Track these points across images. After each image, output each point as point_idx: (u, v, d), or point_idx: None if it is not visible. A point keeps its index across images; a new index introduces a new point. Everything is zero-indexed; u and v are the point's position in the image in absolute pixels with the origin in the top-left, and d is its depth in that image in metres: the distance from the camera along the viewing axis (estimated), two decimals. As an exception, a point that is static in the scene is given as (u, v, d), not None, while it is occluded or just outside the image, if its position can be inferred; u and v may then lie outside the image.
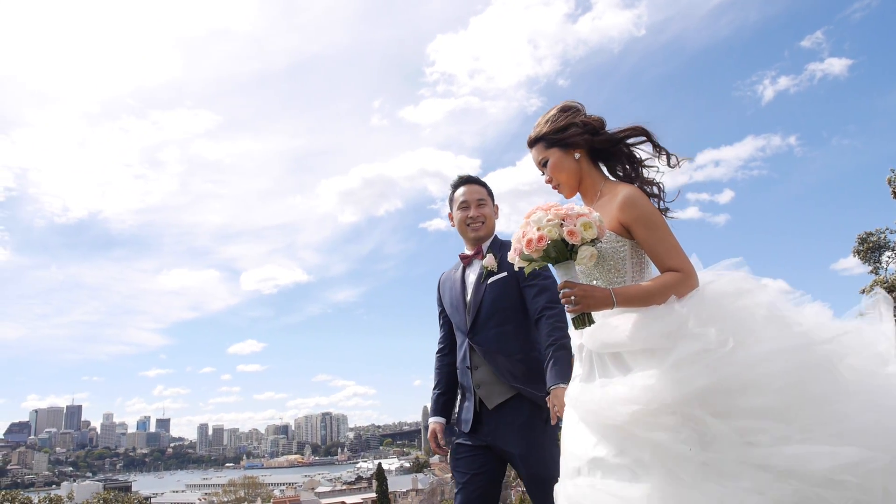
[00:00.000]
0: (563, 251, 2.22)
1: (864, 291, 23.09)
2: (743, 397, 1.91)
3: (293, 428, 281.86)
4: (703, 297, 2.14)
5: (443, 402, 3.70)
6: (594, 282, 2.37)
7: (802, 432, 1.84)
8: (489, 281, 3.43)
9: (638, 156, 2.49)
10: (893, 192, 21.88)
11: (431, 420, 3.72)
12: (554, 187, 2.54)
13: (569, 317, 2.32)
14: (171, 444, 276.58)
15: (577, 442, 2.22)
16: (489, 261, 3.42)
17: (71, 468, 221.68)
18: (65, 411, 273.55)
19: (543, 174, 2.55)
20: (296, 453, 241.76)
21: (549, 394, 3.04)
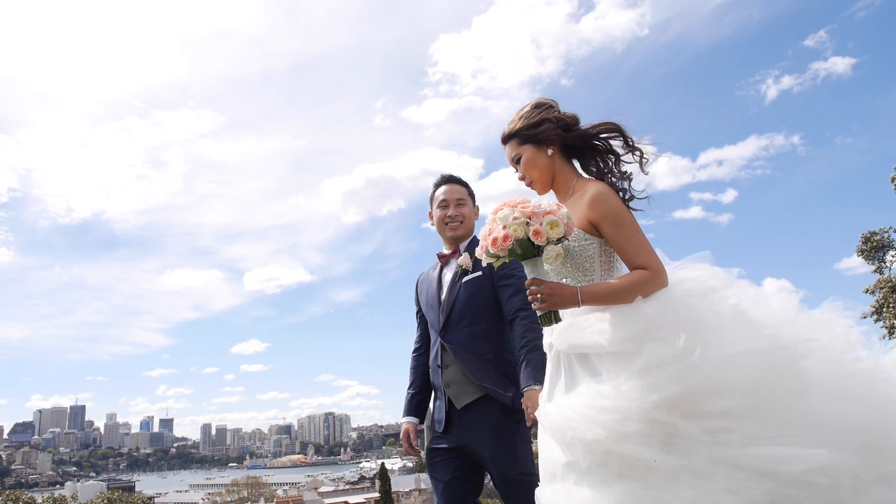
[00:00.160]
0: (529, 249, 2.22)
1: (868, 291, 23.08)
2: (711, 400, 1.90)
3: (296, 428, 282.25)
4: (670, 298, 2.12)
5: (416, 402, 3.68)
6: (565, 280, 2.36)
7: (772, 430, 1.85)
8: (464, 280, 3.41)
9: (611, 151, 2.48)
10: (897, 190, 21.84)
11: (403, 420, 3.68)
12: (527, 184, 2.54)
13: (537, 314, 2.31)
14: (175, 444, 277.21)
15: (552, 446, 2.21)
16: (464, 260, 3.32)
17: (74, 468, 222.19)
18: (68, 411, 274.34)
19: (517, 171, 2.54)
20: (299, 453, 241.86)
21: (522, 395, 3.01)
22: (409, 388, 3.74)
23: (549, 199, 2.42)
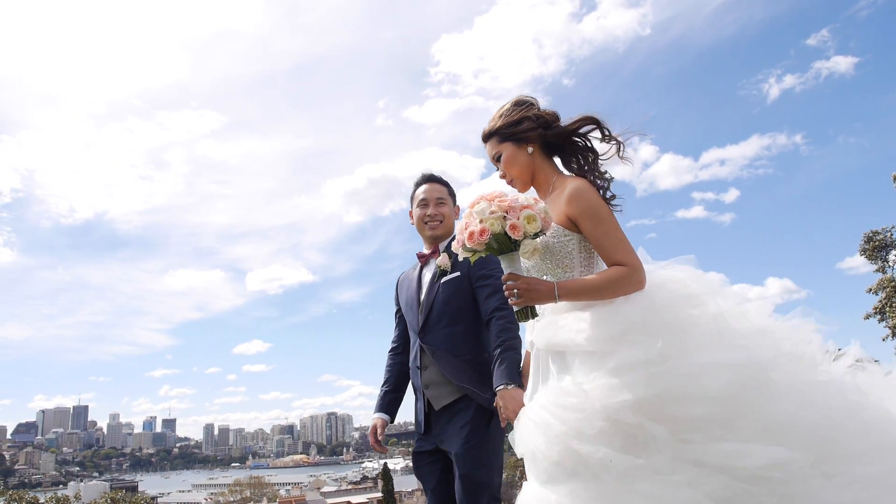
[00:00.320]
0: (506, 244, 2.21)
1: (870, 290, 23.06)
2: (679, 406, 1.91)
3: (299, 428, 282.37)
4: (652, 302, 2.11)
5: (388, 400, 3.66)
6: (544, 276, 2.36)
7: (734, 431, 1.88)
8: (442, 281, 3.39)
9: (592, 147, 2.48)
10: (900, 190, 21.81)
11: (374, 416, 3.66)
12: (508, 182, 2.54)
13: (513, 309, 2.32)
14: (178, 445, 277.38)
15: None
16: (443, 260, 3.38)
17: (78, 468, 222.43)
18: (71, 411, 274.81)
19: (498, 169, 2.55)
20: (301, 453, 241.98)
21: (496, 395, 2.97)
22: (382, 386, 3.72)
23: (527, 194, 2.42)
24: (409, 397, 3.60)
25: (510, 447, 2.38)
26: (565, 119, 2.51)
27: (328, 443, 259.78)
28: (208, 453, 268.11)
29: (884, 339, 22.52)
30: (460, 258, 2.34)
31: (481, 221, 2.18)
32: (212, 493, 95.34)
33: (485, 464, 3.11)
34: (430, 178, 3.64)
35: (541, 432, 2.07)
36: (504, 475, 3.70)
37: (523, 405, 2.30)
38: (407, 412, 3.80)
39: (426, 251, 3.57)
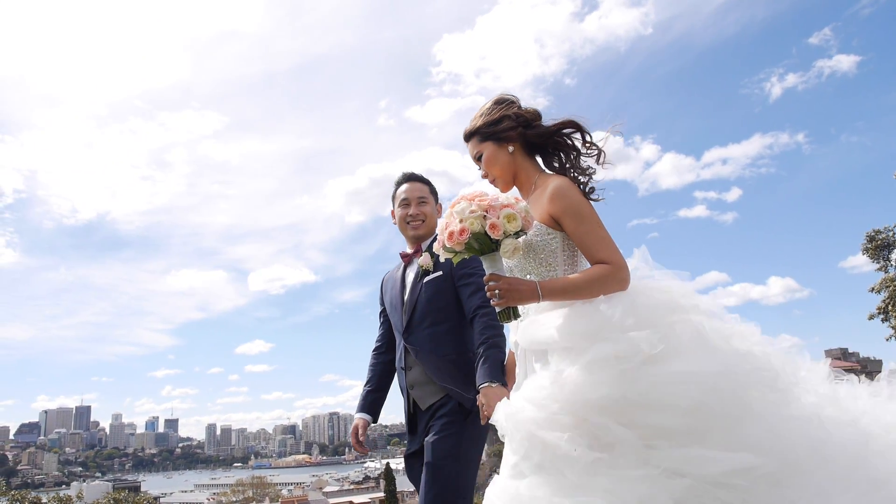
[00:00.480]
0: (487, 243, 2.19)
1: (873, 290, 23.01)
2: (648, 413, 1.90)
3: (301, 428, 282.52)
4: (634, 304, 2.09)
5: (371, 400, 3.63)
6: (528, 276, 2.34)
7: (701, 443, 1.86)
8: (425, 280, 3.36)
9: (574, 145, 2.46)
10: (902, 189, 21.81)
11: (356, 416, 3.63)
12: (490, 182, 2.52)
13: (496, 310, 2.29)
14: (180, 445, 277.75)
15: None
16: (424, 260, 3.33)
17: (80, 468, 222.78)
18: (74, 412, 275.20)
19: (479, 168, 2.53)
20: (303, 453, 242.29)
21: (479, 392, 2.93)
22: (365, 385, 3.69)
23: (509, 193, 2.40)
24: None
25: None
26: (547, 120, 2.49)
27: (330, 443, 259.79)
28: (211, 453, 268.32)
29: (887, 339, 22.48)
30: (441, 259, 2.33)
31: (461, 221, 2.16)
32: (214, 494, 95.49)
33: (453, 456, 3.04)
34: (410, 177, 3.61)
35: (510, 417, 2.06)
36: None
37: None
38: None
39: (409, 251, 3.54)
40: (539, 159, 2.54)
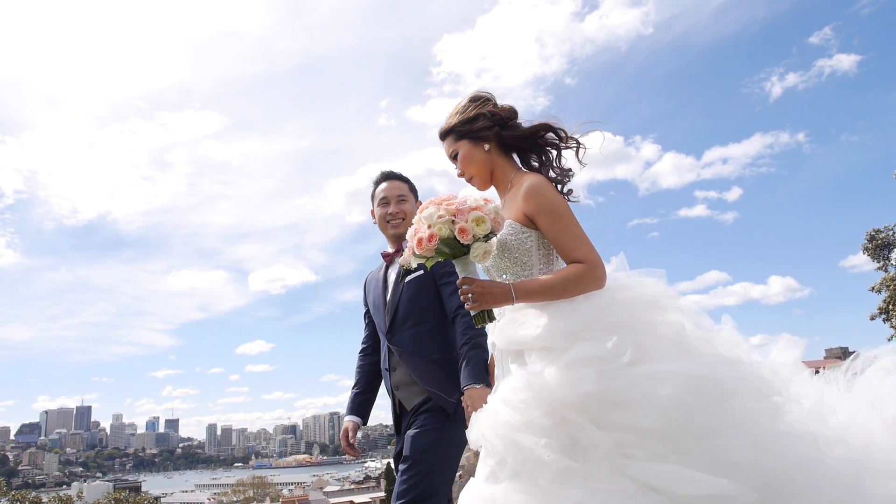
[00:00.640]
0: (457, 247, 2.14)
1: (873, 289, 22.97)
2: (626, 413, 1.84)
3: (301, 428, 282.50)
4: (613, 302, 2.05)
5: (359, 402, 3.58)
6: (503, 276, 2.30)
7: (679, 454, 1.78)
8: (406, 280, 3.31)
9: (550, 145, 2.42)
10: (903, 188, 21.79)
11: (346, 419, 3.58)
12: (467, 181, 2.47)
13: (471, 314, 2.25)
14: (181, 445, 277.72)
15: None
16: (405, 259, 3.21)
17: (81, 468, 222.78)
18: (75, 412, 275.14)
19: (456, 167, 2.48)
20: (304, 453, 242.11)
21: (462, 394, 2.89)
22: (353, 388, 3.64)
23: (482, 194, 2.32)
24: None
25: None
26: (524, 120, 2.45)
27: (331, 443, 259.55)
28: (211, 453, 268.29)
29: (889, 339, 22.44)
30: (413, 265, 2.29)
31: (429, 227, 2.12)
32: (215, 493, 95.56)
33: (430, 451, 2.98)
34: (389, 176, 3.55)
35: (487, 420, 2.02)
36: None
37: None
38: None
39: (390, 250, 3.49)
40: (517, 157, 2.50)
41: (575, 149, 2.40)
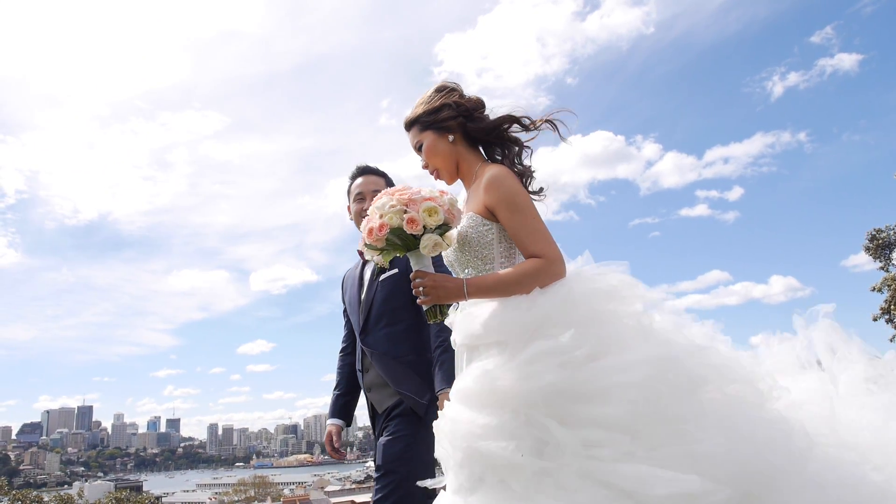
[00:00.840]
0: (409, 239, 2.09)
1: (875, 289, 22.92)
2: (591, 405, 1.77)
3: (302, 427, 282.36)
4: (572, 294, 1.97)
5: (342, 404, 3.49)
6: (466, 270, 2.23)
7: (649, 450, 1.71)
8: (380, 279, 3.22)
9: (514, 140, 2.37)
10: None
11: (328, 422, 3.50)
12: (431, 173, 2.41)
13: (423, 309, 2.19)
14: (182, 444, 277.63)
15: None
16: (380, 257, 3.12)
17: (82, 468, 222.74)
18: (76, 412, 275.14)
19: (421, 159, 2.43)
20: (305, 452, 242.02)
21: (435, 396, 2.87)
22: (334, 389, 3.55)
23: (439, 186, 2.30)
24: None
25: None
26: (490, 111, 2.39)
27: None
28: (212, 453, 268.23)
29: (891, 340, 22.40)
30: (367, 257, 2.24)
31: (381, 217, 2.07)
32: (216, 493, 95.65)
33: (403, 459, 2.89)
34: (365, 171, 3.44)
35: (446, 435, 1.95)
36: None
37: None
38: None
39: None
40: (484, 151, 2.44)
41: (534, 131, 2.34)
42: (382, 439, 3.00)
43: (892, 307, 22.25)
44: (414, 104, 2.44)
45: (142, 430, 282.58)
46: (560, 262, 2.05)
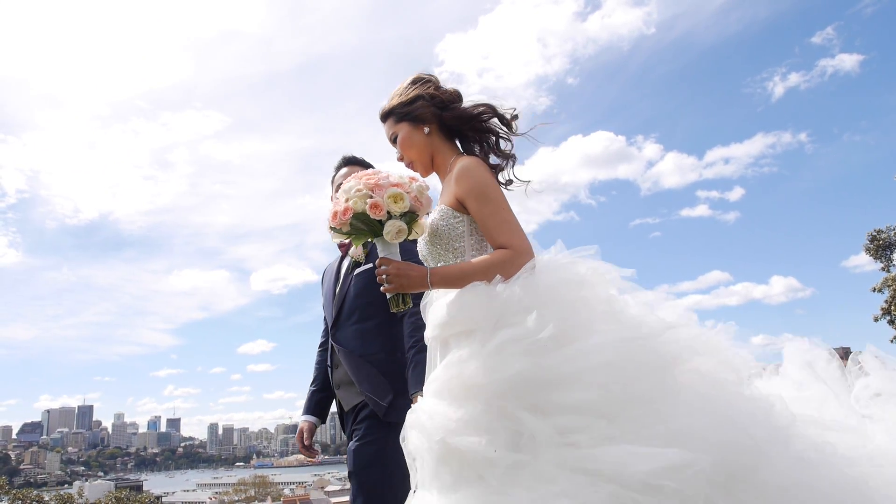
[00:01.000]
0: (374, 225, 2.06)
1: (875, 289, 22.90)
2: (562, 391, 1.74)
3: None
4: (536, 282, 1.93)
5: (316, 400, 3.38)
6: (438, 263, 2.20)
7: (626, 433, 1.67)
8: (355, 273, 3.14)
9: (491, 130, 2.33)
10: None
11: (301, 419, 3.39)
12: (406, 165, 2.37)
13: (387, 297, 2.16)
14: (182, 444, 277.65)
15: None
16: (356, 251, 3.05)
17: (83, 467, 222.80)
18: (76, 411, 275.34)
19: (396, 151, 2.39)
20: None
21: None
22: (310, 385, 3.44)
23: (410, 173, 2.25)
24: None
25: None
26: (467, 103, 2.36)
27: (332, 442, 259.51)
28: (213, 453, 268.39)
29: (892, 341, 22.38)
30: (333, 241, 2.19)
31: (346, 201, 2.05)
32: (216, 493, 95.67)
33: (376, 464, 2.79)
34: (350, 161, 3.36)
35: (421, 430, 1.89)
36: None
37: None
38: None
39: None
40: (460, 144, 2.40)
41: (507, 126, 2.32)
42: (353, 444, 2.91)
43: (893, 308, 22.24)
44: (389, 96, 2.41)
45: (142, 429, 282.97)
46: (528, 253, 2.02)
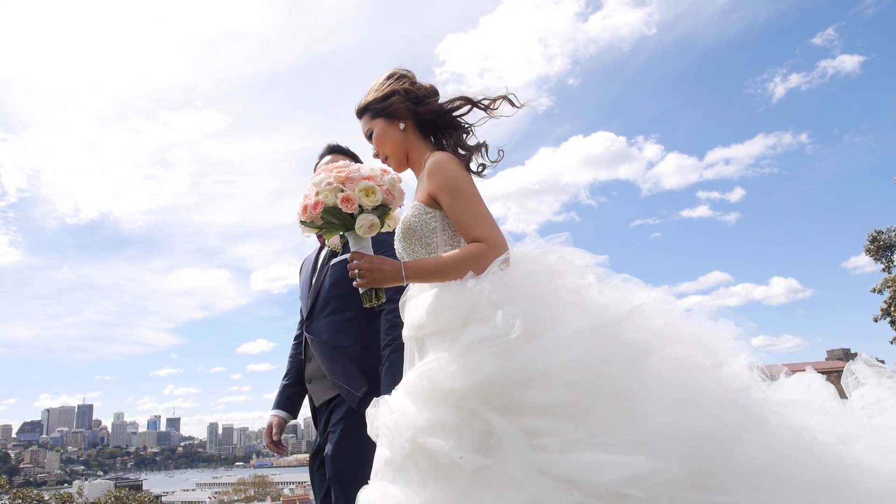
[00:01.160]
0: (346, 219, 2.03)
1: (875, 290, 22.93)
2: (531, 391, 1.71)
3: (303, 427, 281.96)
4: (506, 277, 1.91)
5: (288, 395, 3.26)
6: (413, 259, 2.17)
7: (595, 435, 1.64)
8: (331, 263, 3.06)
9: (462, 127, 2.32)
10: (905, 189, 21.77)
11: (270, 413, 3.27)
12: (382, 161, 2.35)
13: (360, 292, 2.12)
14: (182, 444, 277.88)
15: (380, 442, 1.99)
16: (333, 241, 2.87)
17: (82, 467, 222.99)
18: (76, 410, 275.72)
19: (372, 147, 2.37)
20: (305, 452, 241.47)
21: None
22: (283, 379, 3.33)
23: (374, 166, 2.24)
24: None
25: None
26: (444, 98, 2.33)
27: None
28: (212, 452, 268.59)
29: (892, 342, 22.40)
30: (303, 235, 2.18)
31: (317, 194, 2.02)
32: (216, 492, 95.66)
33: (356, 468, 2.65)
34: (334, 150, 3.28)
35: (391, 426, 1.86)
36: None
37: None
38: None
39: None
40: (436, 140, 2.37)
41: (485, 107, 2.30)
42: (330, 449, 2.79)
43: (893, 308, 22.27)
44: (364, 92, 2.39)
45: (142, 429, 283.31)
46: (502, 246, 1.99)
